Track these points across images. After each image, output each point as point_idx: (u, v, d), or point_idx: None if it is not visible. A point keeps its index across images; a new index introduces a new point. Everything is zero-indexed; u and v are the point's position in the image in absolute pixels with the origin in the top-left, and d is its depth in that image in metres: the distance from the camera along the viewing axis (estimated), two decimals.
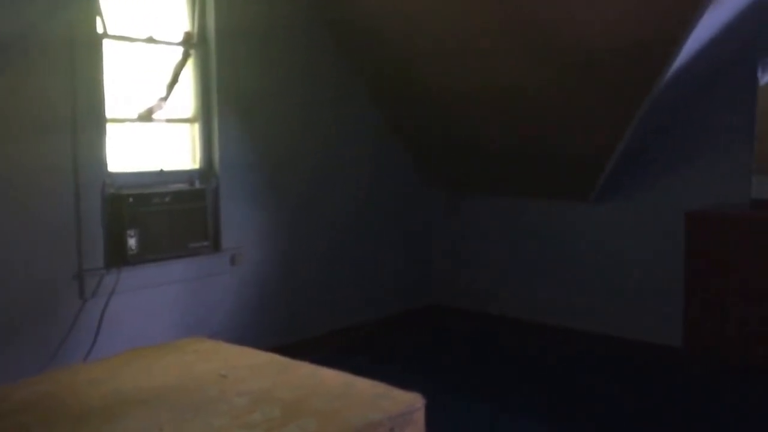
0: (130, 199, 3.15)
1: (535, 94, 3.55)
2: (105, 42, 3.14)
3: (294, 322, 3.92)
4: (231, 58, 3.54)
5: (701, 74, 3.48)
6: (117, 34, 3.22)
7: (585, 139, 3.62)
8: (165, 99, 3.42)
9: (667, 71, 3.07)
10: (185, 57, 3.48)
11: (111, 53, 3.19)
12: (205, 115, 3.53)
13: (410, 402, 2.00)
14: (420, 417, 2.00)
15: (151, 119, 3.39)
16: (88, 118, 3.06)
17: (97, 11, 3.10)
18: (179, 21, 3.46)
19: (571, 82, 3.37)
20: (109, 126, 3.17)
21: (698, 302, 3.35)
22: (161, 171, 3.39)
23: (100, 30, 3.12)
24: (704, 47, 3.14)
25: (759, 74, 3.41)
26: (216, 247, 3.54)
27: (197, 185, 3.45)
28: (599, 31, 3.05)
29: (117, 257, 3.15)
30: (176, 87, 3.46)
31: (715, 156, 3.64)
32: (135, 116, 3.34)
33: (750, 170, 3.47)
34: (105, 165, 3.14)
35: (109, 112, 3.17)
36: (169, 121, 3.46)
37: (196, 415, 1.90)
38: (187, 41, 3.47)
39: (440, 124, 4.15)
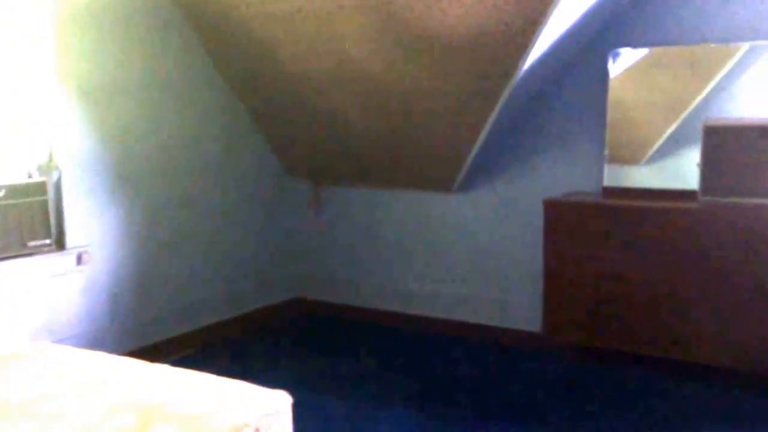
0: None
1: (396, 84, 3.54)
2: None
3: (151, 323, 3.69)
4: (73, 42, 3.25)
5: (557, 66, 3.63)
6: None
7: (447, 130, 3.66)
8: None
9: (524, 62, 3.16)
10: None
11: None
12: (43, 101, 3.22)
13: (276, 401, 1.94)
14: (287, 415, 1.94)
15: None
16: None
17: None
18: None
19: (432, 72, 3.39)
20: None
21: (556, 286, 3.48)
22: None
23: None
24: (560, 39, 3.26)
25: (610, 66, 3.60)
26: (60, 245, 3.25)
27: (36, 178, 3.13)
28: (458, 21, 3.07)
29: None
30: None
31: (571, 145, 3.80)
32: None
33: (602, 159, 3.66)
34: None
35: None
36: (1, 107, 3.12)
37: (42, 430, 1.73)
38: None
39: (302, 114, 4.05)
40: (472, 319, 4.13)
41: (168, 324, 3.78)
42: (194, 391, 1.99)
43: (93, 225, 3.40)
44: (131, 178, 3.58)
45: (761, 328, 3.01)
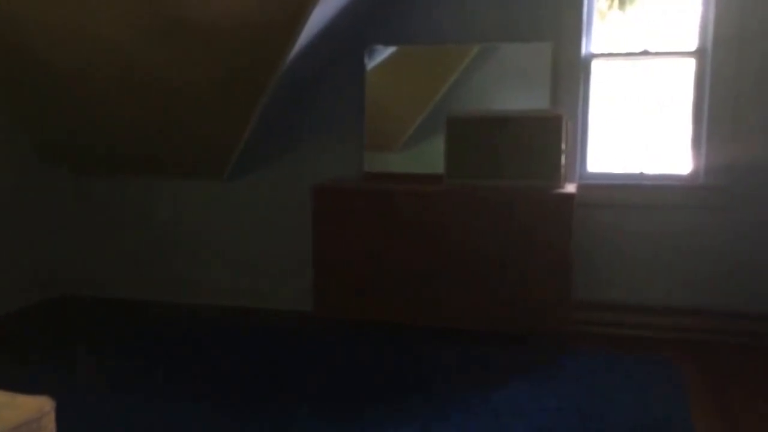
0: None
1: (159, 73, 3.45)
2: None
3: None
4: None
5: (321, 59, 3.77)
6: None
7: (215, 119, 3.66)
8: None
9: (288, 55, 3.24)
10: None
11: None
12: None
13: (38, 407, 1.82)
14: (50, 422, 1.83)
15: None
16: None
17: None
18: None
19: (196, 62, 3.36)
20: None
21: (324, 266, 3.66)
22: None
23: None
24: (321, 34, 3.39)
25: (366, 61, 3.84)
26: None
27: None
28: (222, 11, 3.07)
29: None
30: None
31: (335, 134, 4.01)
32: None
33: (362, 146, 3.90)
34: None
35: None
36: None
37: None
38: None
39: (58, 101, 3.79)
40: (247, 304, 4.21)
41: None
42: None
43: None
44: None
45: (500, 294, 3.45)
